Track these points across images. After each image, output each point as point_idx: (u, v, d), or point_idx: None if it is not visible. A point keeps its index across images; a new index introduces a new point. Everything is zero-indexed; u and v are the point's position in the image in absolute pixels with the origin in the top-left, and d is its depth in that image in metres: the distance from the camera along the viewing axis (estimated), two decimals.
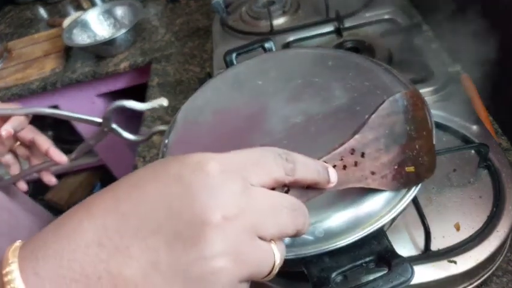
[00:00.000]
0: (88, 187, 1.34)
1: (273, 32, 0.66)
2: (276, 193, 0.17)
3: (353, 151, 0.23)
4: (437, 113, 0.47)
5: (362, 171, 0.23)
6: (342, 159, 0.23)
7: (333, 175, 0.21)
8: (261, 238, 0.16)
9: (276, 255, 0.16)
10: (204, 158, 0.15)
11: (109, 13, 0.95)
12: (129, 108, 0.32)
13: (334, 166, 0.22)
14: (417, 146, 0.26)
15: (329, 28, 0.64)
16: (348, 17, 0.65)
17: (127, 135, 0.36)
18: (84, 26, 0.92)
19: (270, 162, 0.17)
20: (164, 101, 0.32)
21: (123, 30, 0.85)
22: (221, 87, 0.39)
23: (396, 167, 0.25)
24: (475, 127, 0.45)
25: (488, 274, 0.37)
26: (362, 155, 0.24)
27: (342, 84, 0.34)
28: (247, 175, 0.16)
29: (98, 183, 1.37)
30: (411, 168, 0.26)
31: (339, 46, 0.59)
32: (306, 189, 0.20)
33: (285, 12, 0.71)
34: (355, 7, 0.67)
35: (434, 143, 0.28)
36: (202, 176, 0.15)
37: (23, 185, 0.41)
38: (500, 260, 0.38)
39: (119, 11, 0.94)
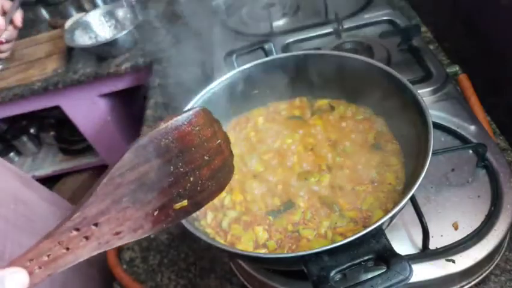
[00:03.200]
0: (90, 187, 1.34)
1: (272, 34, 0.67)
2: None
3: (76, 229, 0.21)
4: (435, 113, 0.47)
5: (98, 240, 0.21)
6: (60, 244, 0.20)
7: (16, 282, 0.19)
8: None
9: None
10: None
11: (110, 14, 0.95)
12: None
13: (49, 255, 0.20)
14: (192, 179, 0.22)
15: (328, 29, 0.65)
16: (347, 18, 0.65)
17: None
18: (86, 27, 0.93)
19: None
20: None
21: (124, 32, 0.85)
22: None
23: (156, 212, 0.22)
24: (472, 127, 0.46)
25: (486, 273, 0.37)
26: (96, 225, 0.21)
27: None
28: None
29: None
30: (182, 204, 0.23)
31: (338, 47, 0.60)
32: None
33: (284, 14, 0.72)
34: (354, 8, 0.67)
35: (230, 154, 0.25)
36: None
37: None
38: (498, 259, 0.38)
39: (121, 13, 0.95)
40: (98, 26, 0.95)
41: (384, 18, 0.65)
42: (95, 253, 0.22)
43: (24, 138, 1.29)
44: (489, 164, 0.42)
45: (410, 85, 0.36)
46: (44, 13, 1.22)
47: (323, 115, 0.45)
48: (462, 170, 0.42)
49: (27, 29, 1.15)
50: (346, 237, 0.27)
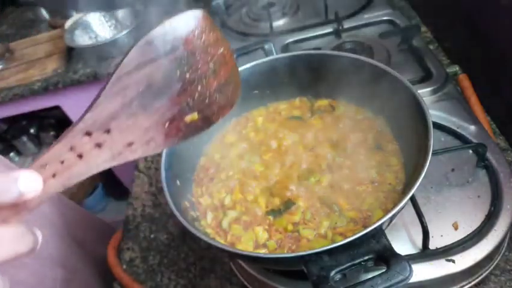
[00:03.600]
0: (90, 187, 1.34)
1: (272, 34, 0.67)
2: None
3: (89, 133, 0.20)
4: (435, 113, 0.47)
5: (110, 150, 0.20)
6: (73, 149, 0.20)
7: (29, 184, 0.18)
8: None
9: None
10: None
11: (110, 14, 0.95)
12: None
13: (62, 162, 0.19)
14: (199, 88, 0.22)
15: (328, 29, 0.65)
16: (347, 18, 0.65)
17: None
18: (86, 27, 0.93)
19: None
20: None
21: (124, 32, 0.85)
22: None
23: (167, 124, 0.21)
24: (472, 127, 0.46)
25: (486, 273, 0.37)
26: (107, 131, 0.20)
27: None
28: None
29: (100, 184, 1.38)
30: (193, 117, 0.22)
31: (338, 47, 0.60)
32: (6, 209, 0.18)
33: (284, 14, 0.72)
34: (354, 8, 0.67)
35: (235, 66, 0.24)
36: None
37: None
38: (498, 259, 0.38)
39: (120, 13, 0.95)
40: (98, 26, 0.95)
41: (384, 18, 0.65)
42: (108, 165, 0.21)
43: (24, 138, 1.29)
44: (489, 164, 0.42)
45: (410, 85, 0.36)
46: (44, 13, 1.22)
47: (323, 115, 0.45)
48: (462, 170, 0.42)
49: (27, 29, 1.15)
50: (346, 237, 0.27)
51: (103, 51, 0.89)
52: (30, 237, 0.19)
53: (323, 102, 0.46)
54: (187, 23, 0.21)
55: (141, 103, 0.21)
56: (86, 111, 0.20)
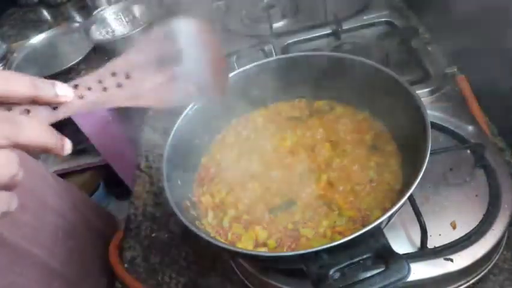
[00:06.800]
0: (92, 186, 1.34)
1: (272, 35, 0.67)
2: None
3: (114, 74, 0.26)
4: (433, 114, 0.47)
5: (128, 91, 0.26)
6: (100, 82, 0.25)
7: (64, 90, 0.23)
8: None
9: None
10: None
11: (128, 11, 0.95)
12: None
13: (89, 88, 0.25)
14: (196, 68, 0.29)
15: (327, 31, 0.65)
16: (346, 19, 0.66)
17: None
18: (102, 22, 0.93)
19: None
20: None
21: (138, 29, 0.85)
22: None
23: (172, 85, 0.28)
24: (470, 127, 0.46)
25: (484, 272, 0.37)
26: (127, 76, 0.26)
27: None
28: None
29: (101, 183, 1.38)
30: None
31: (337, 48, 0.60)
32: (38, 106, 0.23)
33: (284, 15, 0.72)
34: (353, 10, 0.68)
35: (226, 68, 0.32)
36: None
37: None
38: (496, 258, 0.38)
39: (138, 10, 0.95)
40: (114, 22, 0.95)
41: (383, 19, 0.65)
42: (123, 104, 0.26)
43: None
44: (487, 164, 0.42)
45: (408, 86, 0.36)
46: (46, 14, 1.23)
47: (322, 116, 0.46)
48: (460, 169, 0.43)
49: (28, 30, 1.16)
50: (345, 236, 0.27)
51: (117, 47, 0.89)
52: (15, 166, 0.22)
53: (322, 103, 0.47)
54: (191, 24, 0.30)
55: (158, 64, 0.27)
56: (118, 58, 0.26)
